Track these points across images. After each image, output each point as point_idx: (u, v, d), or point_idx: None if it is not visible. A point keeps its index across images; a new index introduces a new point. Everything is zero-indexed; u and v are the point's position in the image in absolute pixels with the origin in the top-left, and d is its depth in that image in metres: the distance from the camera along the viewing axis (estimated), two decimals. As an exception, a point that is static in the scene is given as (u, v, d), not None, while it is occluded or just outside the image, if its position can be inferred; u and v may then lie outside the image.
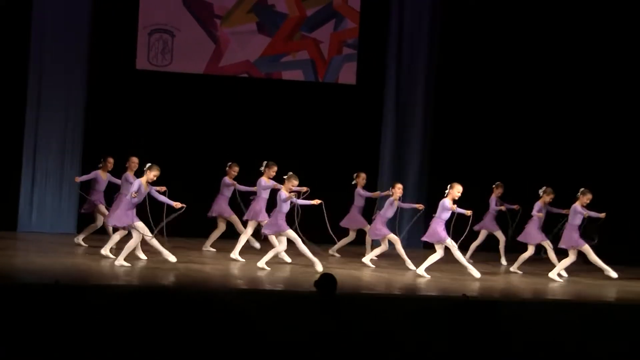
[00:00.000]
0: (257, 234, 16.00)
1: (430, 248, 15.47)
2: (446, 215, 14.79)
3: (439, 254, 14.73)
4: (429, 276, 14.62)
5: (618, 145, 19.02)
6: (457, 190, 14.76)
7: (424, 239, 15.08)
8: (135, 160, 15.84)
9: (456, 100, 19.48)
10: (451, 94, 19.50)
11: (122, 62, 18.75)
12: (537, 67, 19.34)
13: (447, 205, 14.69)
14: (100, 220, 16.49)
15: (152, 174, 14.21)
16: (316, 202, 14.83)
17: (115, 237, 14.77)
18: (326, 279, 7.74)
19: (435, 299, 12.63)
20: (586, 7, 19.14)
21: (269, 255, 14.86)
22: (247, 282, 13.46)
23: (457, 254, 14.77)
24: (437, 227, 14.78)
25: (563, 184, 16.42)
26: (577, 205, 15.24)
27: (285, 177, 14.93)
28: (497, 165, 18.77)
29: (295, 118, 19.30)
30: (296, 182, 14.85)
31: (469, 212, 14.78)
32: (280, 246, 15.00)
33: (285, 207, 14.74)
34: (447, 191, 14.80)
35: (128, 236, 14.39)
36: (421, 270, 14.81)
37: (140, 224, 14.18)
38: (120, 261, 14.06)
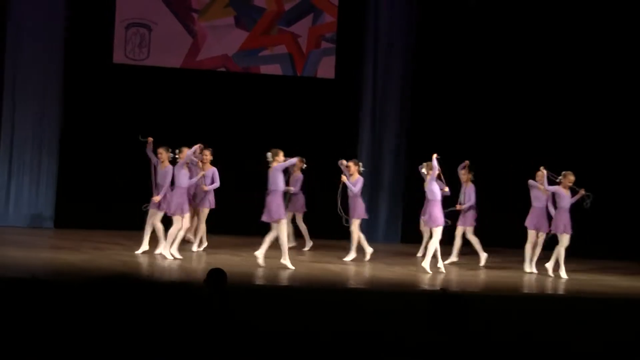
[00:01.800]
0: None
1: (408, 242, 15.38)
2: (565, 203, 14.73)
3: (562, 244, 14.74)
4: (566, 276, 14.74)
5: (594, 134, 19.10)
6: (569, 180, 14.76)
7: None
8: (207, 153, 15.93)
9: (434, 94, 19.51)
10: (429, 88, 19.53)
11: (99, 55, 18.68)
12: (517, 58, 19.34)
13: (562, 192, 14.73)
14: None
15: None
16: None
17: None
18: (215, 275, 7.58)
19: (413, 292, 12.65)
20: None
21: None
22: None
23: (561, 249, 14.76)
24: (560, 217, 14.74)
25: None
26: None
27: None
28: (475, 156, 18.76)
29: (273, 112, 19.27)
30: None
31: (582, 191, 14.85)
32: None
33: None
34: (559, 179, 14.79)
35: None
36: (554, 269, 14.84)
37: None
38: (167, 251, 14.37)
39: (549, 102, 19.37)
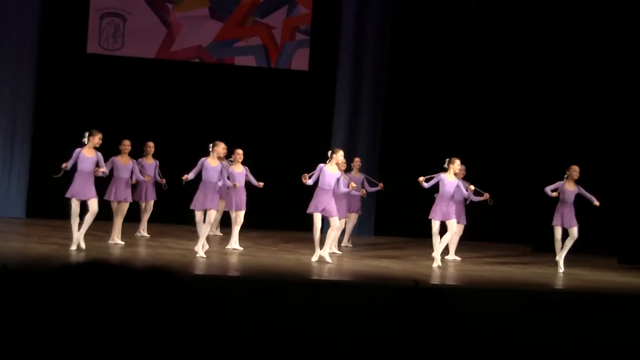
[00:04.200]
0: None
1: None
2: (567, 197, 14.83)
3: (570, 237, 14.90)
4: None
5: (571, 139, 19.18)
6: (572, 170, 14.77)
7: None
8: (151, 144, 16.05)
9: (408, 86, 19.54)
10: (404, 80, 19.56)
11: (72, 45, 18.62)
12: (490, 51, 19.40)
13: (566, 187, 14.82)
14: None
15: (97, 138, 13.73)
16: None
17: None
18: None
19: (385, 285, 12.65)
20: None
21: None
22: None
23: (568, 243, 14.88)
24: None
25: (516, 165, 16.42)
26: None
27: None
28: (449, 150, 18.80)
29: (247, 104, 19.26)
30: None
31: (596, 203, 14.82)
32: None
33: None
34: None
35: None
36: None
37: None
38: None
39: (525, 95, 19.42)
